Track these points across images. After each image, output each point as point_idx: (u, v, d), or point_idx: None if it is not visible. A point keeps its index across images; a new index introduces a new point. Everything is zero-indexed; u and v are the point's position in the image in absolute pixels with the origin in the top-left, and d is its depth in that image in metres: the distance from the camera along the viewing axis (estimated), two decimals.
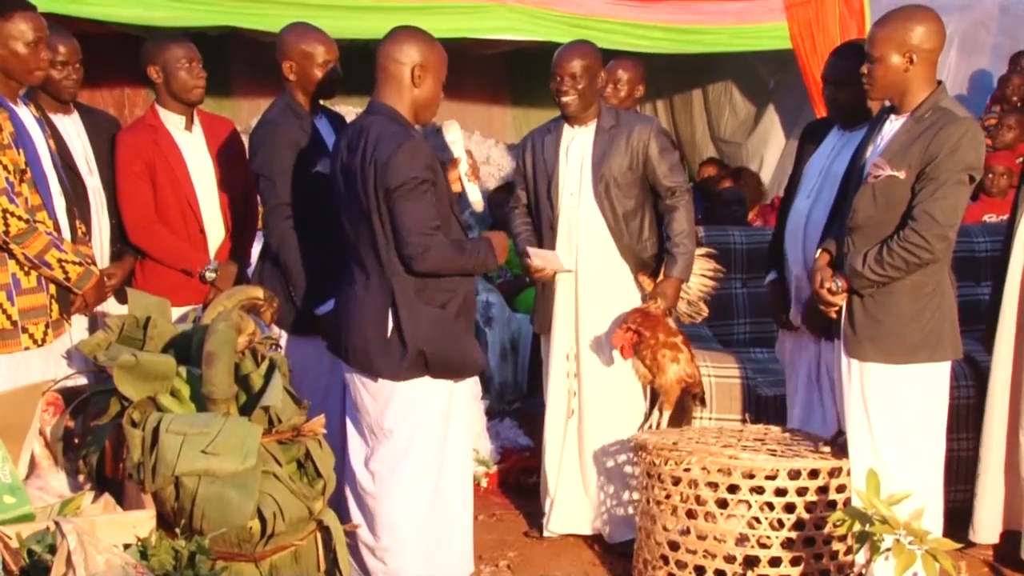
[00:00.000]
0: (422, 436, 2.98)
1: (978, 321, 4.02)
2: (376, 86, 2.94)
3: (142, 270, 3.57)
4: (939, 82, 3.00)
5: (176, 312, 3.26)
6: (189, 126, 3.63)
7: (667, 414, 3.54)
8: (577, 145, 3.62)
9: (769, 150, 6.40)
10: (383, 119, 2.87)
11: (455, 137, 3.14)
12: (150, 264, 3.57)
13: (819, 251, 3.14)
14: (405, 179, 2.78)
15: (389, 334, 2.89)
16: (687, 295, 3.72)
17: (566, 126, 3.66)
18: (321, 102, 3.46)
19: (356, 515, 3.06)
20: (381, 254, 2.87)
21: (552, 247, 3.65)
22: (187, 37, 3.73)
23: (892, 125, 3.02)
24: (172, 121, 3.61)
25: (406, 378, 2.92)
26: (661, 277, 3.58)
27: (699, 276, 3.75)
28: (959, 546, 2.76)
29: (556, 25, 5.14)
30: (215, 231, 3.63)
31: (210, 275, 3.55)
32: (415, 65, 2.89)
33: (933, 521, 2.93)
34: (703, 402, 3.73)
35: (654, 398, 3.60)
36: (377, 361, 2.91)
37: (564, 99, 3.56)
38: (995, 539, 3.54)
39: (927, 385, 3.01)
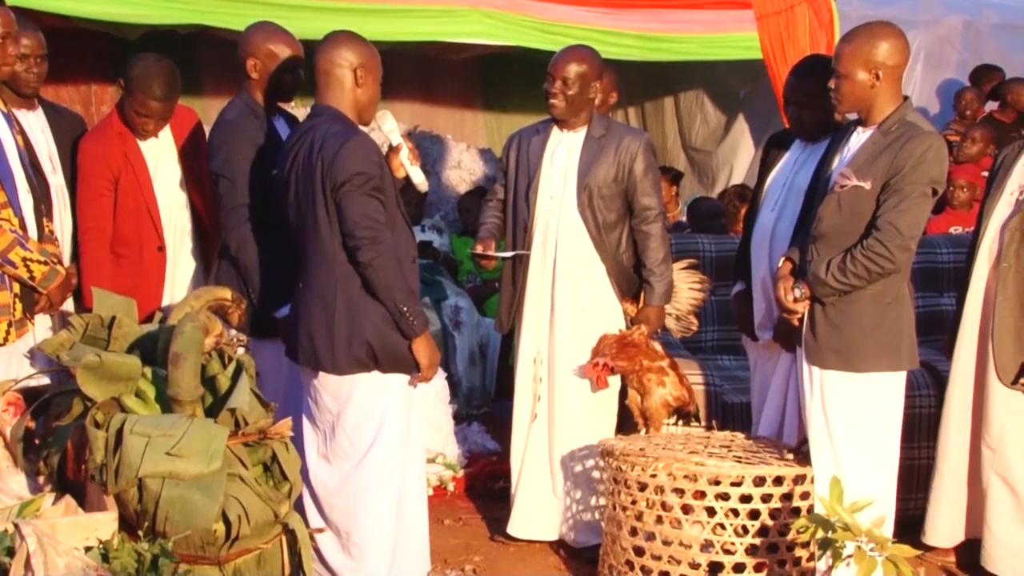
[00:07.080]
0: (385, 432, 2.99)
1: (940, 331, 4.07)
2: (318, 90, 2.98)
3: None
4: (905, 97, 3.05)
5: None
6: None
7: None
8: (563, 150, 3.62)
9: (739, 159, 6.44)
10: (328, 119, 2.92)
11: (391, 126, 3.16)
12: (114, 263, 3.50)
13: (782, 259, 3.17)
14: (353, 174, 2.82)
15: (336, 329, 2.90)
16: (676, 311, 3.75)
17: (555, 129, 3.65)
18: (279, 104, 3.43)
19: (315, 516, 3.06)
20: (328, 250, 2.89)
21: (525, 247, 3.65)
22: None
23: (859, 137, 3.06)
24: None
25: (354, 372, 2.93)
26: (642, 304, 3.60)
27: (686, 290, 3.77)
28: (919, 553, 2.80)
29: (529, 31, 5.15)
30: (175, 246, 3.54)
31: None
32: (356, 67, 2.94)
33: (885, 527, 2.96)
34: (697, 419, 3.75)
35: (646, 421, 3.61)
36: (324, 356, 2.93)
37: (551, 101, 3.56)
38: (951, 544, 3.59)
39: (884, 393, 3.06)
